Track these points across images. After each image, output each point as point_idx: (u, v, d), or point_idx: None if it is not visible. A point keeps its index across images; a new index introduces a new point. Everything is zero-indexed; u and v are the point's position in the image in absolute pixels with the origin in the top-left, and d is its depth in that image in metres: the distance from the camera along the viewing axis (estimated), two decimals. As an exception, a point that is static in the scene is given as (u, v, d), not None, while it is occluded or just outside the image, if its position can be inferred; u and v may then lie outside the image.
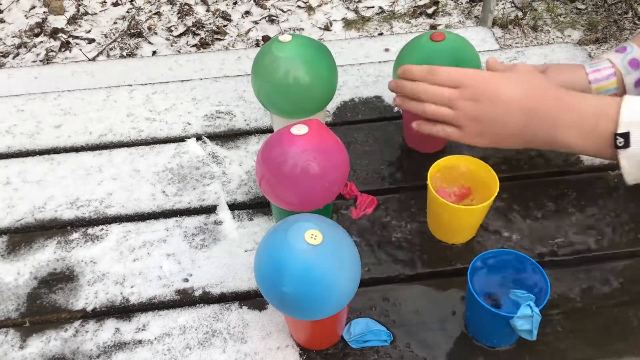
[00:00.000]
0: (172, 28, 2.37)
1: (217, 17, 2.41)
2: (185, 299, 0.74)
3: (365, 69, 1.06)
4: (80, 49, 2.28)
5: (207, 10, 2.45)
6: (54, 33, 2.34)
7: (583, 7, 2.43)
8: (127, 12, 2.46)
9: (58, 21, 2.41)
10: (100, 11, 2.46)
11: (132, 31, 2.34)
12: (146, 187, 0.87)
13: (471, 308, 0.67)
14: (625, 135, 0.63)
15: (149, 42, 2.30)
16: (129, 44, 2.29)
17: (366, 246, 0.78)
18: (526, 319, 0.60)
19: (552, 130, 0.67)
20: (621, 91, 0.79)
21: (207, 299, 0.74)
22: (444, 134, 0.72)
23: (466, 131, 0.71)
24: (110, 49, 2.27)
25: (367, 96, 1.00)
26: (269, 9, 2.44)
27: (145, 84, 1.05)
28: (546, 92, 0.68)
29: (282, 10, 2.44)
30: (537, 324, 0.60)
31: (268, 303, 0.72)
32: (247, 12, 2.43)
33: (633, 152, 0.64)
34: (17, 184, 0.89)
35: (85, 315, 0.73)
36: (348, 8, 2.45)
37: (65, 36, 2.33)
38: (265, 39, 2.30)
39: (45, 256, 0.79)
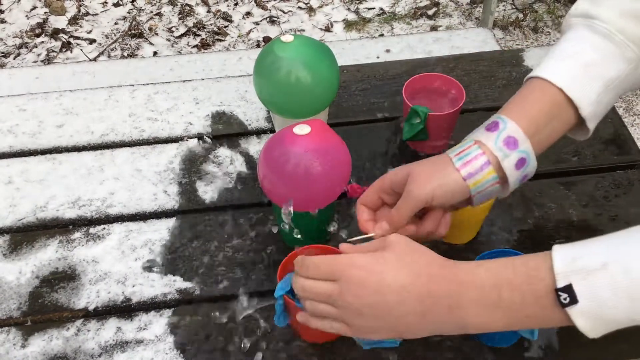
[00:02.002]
0: (173, 29, 2.37)
1: (218, 18, 2.41)
2: (186, 298, 0.74)
3: (366, 69, 1.06)
4: (81, 50, 2.28)
5: (208, 11, 2.45)
6: (55, 33, 2.34)
7: (583, 8, 2.43)
8: (128, 12, 2.46)
9: (59, 21, 2.41)
10: (101, 12, 2.46)
11: (133, 32, 2.34)
12: (148, 186, 0.87)
13: (472, 308, 0.67)
14: (568, 289, 0.51)
15: (150, 43, 2.30)
16: (129, 45, 2.29)
17: (367, 246, 0.78)
18: (527, 318, 0.60)
19: (456, 311, 0.55)
20: (501, 178, 0.63)
21: (209, 297, 0.74)
22: (335, 331, 0.59)
23: (356, 328, 0.58)
24: (111, 50, 2.28)
25: (368, 96, 1.00)
26: (270, 10, 2.44)
27: (147, 84, 1.05)
28: (437, 271, 0.57)
29: (283, 11, 2.44)
30: (539, 323, 0.60)
31: (271, 300, 0.72)
32: (248, 13, 2.43)
33: (585, 307, 0.51)
34: (19, 183, 0.89)
35: (87, 314, 0.73)
36: (349, 9, 2.45)
37: (66, 36, 2.33)
38: (267, 39, 2.30)
39: (47, 255, 0.79)
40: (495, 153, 0.62)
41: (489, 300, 0.55)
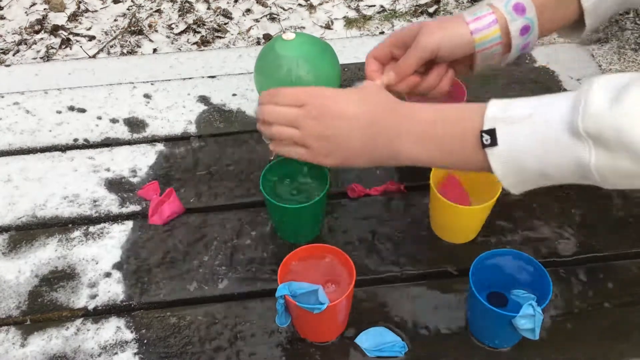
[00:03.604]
0: (173, 26, 2.37)
1: (217, 15, 2.40)
2: (186, 298, 0.74)
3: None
4: (81, 46, 2.27)
5: (208, 8, 2.44)
6: (55, 30, 2.33)
7: (584, 6, 2.42)
8: (128, 9, 2.45)
9: (58, 18, 2.40)
10: (100, 8, 2.45)
11: (132, 28, 2.33)
12: (148, 185, 0.87)
13: (474, 308, 0.67)
14: (491, 132, 0.56)
15: (150, 40, 2.30)
16: (129, 42, 2.29)
17: (368, 245, 0.78)
18: (528, 318, 0.60)
19: (395, 140, 0.63)
20: (505, 39, 0.70)
21: (210, 297, 0.74)
22: (296, 155, 0.67)
23: (314, 151, 0.66)
24: (111, 47, 2.27)
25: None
26: (270, 7, 2.43)
27: (147, 82, 1.04)
28: (388, 106, 0.65)
29: (283, 9, 2.43)
30: (540, 322, 0.60)
31: (272, 300, 0.72)
32: (248, 10, 2.43)
33: (502, 150, 0.56)
34: (18, 181, 0.88)
35: (87, 314, 0.73)
36: (349, 6, 2.44)
37: (65, 33, 2.33)
38: (267, 37, 2.30)
39: (46, 254, 0.79)
40: (505, 15, 0.69)
41: (423, 132, 0.62)
